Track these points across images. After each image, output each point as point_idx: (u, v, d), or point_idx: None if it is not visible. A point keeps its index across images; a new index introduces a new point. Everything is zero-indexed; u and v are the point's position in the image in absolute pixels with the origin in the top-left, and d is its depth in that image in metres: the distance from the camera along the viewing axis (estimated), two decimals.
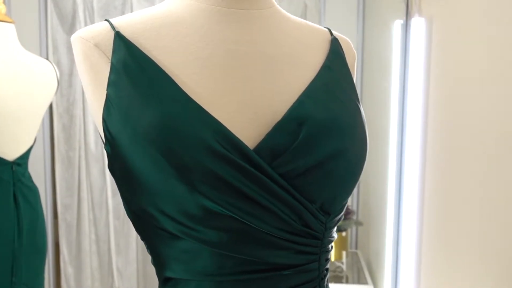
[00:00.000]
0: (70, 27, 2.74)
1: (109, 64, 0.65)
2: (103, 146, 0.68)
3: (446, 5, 1.45)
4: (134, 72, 0.63)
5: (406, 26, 1.86)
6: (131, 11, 2.71)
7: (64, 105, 2.83)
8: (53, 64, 1.74)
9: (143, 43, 0.66)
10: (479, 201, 1.16)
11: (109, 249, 2.91)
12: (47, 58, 2.69)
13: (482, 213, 1.14)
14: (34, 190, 1.60)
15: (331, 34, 0.80)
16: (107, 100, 0.63)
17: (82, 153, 2.85)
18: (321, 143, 0.64)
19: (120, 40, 0.65)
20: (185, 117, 0.60)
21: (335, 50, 0.77)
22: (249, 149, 0.62)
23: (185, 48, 0.66)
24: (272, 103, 0.66)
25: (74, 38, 0.69)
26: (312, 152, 0.63)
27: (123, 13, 2.70)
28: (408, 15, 1.84)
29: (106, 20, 0.71)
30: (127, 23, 0.69)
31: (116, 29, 0.67)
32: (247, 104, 0.65)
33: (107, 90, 0.64)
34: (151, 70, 0.63)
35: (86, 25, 2.71)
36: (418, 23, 1.71)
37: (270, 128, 0.64)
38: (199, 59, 0.65)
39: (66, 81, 2.79)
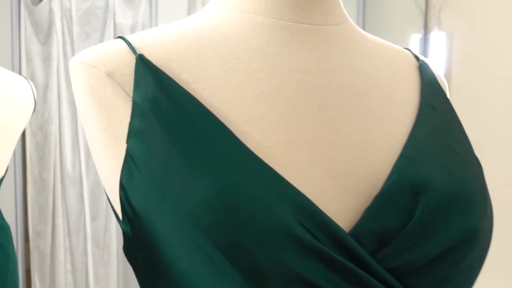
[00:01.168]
0: (46, 37, 2.53)
1: (130, 103, 0.47)
2: (118, 222, 0.48)
3: (467, 18, 1.40)
4: (170, 116, 0.45)
5: (424, 40, 1.76)
6: (114, 20, 2.51)
7: (38, 122, 2.61)
8: (30, 81, 1.52)
9: (177, 71, 0.48)
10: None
11: (86, 280, 2.69)
12: (19, 71, 2.45)
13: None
14: (5, 229, 1.38)
15: (416, 57, 0.61)
16: (127, 158, 0.45)
17: (58, 175, 2.62)
18: (447, 223, 0.45)
19: (145, 67, 0.47)
20: (255, 191, 0.41)
21: (430, 80, 0.58)
22: (345, 233, 0.43)
23: (240, 80, 0.48)
24: (368, 160, 0.47)
25: (75, 63, 0.50)
26: (434, 236, 0.44)
27: (104, 22, 2.49)
28: (426, 29, 1.73)
29: (119, 37, 0.52)
30: (152, 43, 0.50)
31: (138, 52, 0.49)
32: (334, 164, 0.46)
33: (127, 142, 0.45)
34: (195, 113, 0.45)
35: (64, 35, 2.50)
36: (437, 37, 1.63)
37: (370, 200, 0.45)
38: (262, 97, 0.48)
39: (41, 96, 2.57)
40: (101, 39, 2.50)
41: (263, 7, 0.53)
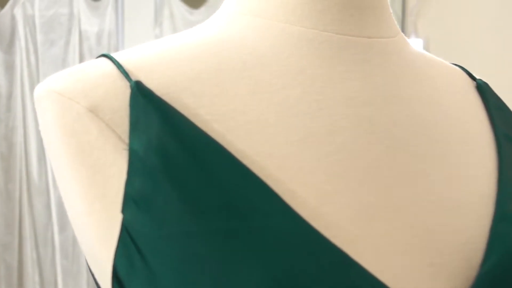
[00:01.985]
0: (8, 45, 2.47)
1: (125, 153, 0.35)
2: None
3: (444, 25, 1.43)
4: (189, 176, 0.33)
5: None
6: (79, 28, 2.46)
7: (2, 132, 2.55)
8: None
9: (191, 105, 0.36)
10: None
11: None
12: None
13: None
14: None
15: (471, 76, 0.50)
16: (124, 236, 0.33)
17: (24, 186, 2.57)
18: None
19: (145, 100, 0.36)
20: (323, 282, 0.31)
21: (496, 104, 0.47)
22: None
23: (278, 117, 0.37)
24: (458, 225, 0.37)
25: (42, 93, 0.38)
26: None
27: (69, 30, 2.44)
28: None
29: (104, 55, 0.40)
30: (151, 63, 0.38)
31: (133, 77, 0.37)
32: (417, 235, 0.36)
33: (123, 212, 0.33)
34: (225, 170, 0.33)
35: (27, 43, 2.44)
36: (414, 44, 1.68)
37: (469, 283, 0.34)
38: (310, 141, 0.37)
39: (4, 105, 2.51)
40: (66, 46, 2.45)
41: (298, 14, 0.41)
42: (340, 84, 0.40)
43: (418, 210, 0.37)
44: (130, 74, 0.37)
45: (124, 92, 0.37)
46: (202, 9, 2.65)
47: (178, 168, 0.33)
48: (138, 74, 0.37)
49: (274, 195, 0.33)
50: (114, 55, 0.40)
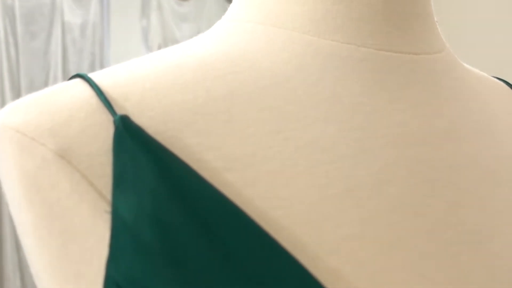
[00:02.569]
0: None
1: (106, 217, 0.27)
2: None
3: (444, 25, 1.40)
4: (199, 251, 0.26)
5: None
6: (62, 19, 2.34)
7: None
8: None
9: (195, 147, 0.28)
10: None
11: None
12: None
13: None
14: None
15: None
16: None
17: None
18: None
19: (135, 144, 0.27)
20: None
21: None
22: None
23: (309, 164, 0.29)
24: None
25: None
26: None
27: (51, 21, 2.33)
28: None
29: (79, 75, 0.31)
30: (141, 91, 0.30)
31: (118, 109, 0.28)
32: None
33: None
34: (244, 239, 0.26)
35: (6, 35, 2.32)
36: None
37: None
38: (353, 195, 0.29)
39: None
40: (48, 39, 2.34)
41: (329, 24, 0.32)
42: (387, 117, 0.32)
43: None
44: (114, 104, 0.29)
45: (106, 129, 0.28)
46: (192, 0, 2.55)
47: (182, 244, 0.26)
48: (125, 105, 0.29)
49: (309, 276, 0.26)
50: (93, 76, 0.31)
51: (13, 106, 0.30)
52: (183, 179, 0.27)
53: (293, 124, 0.30)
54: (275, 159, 0.29)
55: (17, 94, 2.30)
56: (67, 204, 0.27)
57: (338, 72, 0.32)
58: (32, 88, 2.33)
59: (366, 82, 0.32)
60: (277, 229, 0.27)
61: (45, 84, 2.32)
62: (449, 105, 0.34)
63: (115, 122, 0.28)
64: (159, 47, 2.44)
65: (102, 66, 2.37)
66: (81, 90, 0.30)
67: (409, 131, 0.32)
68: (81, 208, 0.27)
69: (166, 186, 0.26)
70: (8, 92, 2.35)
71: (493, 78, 0.44)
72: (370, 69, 0.32)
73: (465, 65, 0.41)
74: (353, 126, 0.31)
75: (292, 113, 0.31)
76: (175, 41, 2.49)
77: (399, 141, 0.31)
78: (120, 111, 0.28)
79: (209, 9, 2.50)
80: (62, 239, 0.27)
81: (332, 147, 0.30)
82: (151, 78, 0.30)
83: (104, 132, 0.28)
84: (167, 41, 2.46)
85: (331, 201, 0.28)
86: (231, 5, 0.37)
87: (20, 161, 0.28)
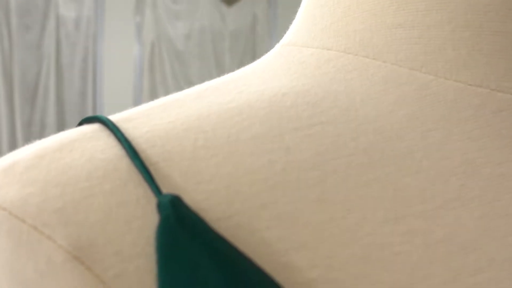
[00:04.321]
0: None
1: None
2: None
3: None
4: None
5: None
6: (56, 12, 2.34)
7: None
8: None
9: (273, 241, 0.19)
10: None
11: None
12: None
13: None
14: None
15: None
16: None
17: None
18: None
19: (194, 244, 0.18)
20: None
21: None
22: None
23: (452, 281, 0.20)
24: None
25: None
26: None
27: (46, 14, 2.33)
28: None
29: (97, 119, 0.21)
30: (192, 149, 0.20)
31: (166, 186, 0.19)
32: None
33: None
34: None
35: (1, 27, 2.32)
36: None
37: None
38: None
39: None
40: (42, 32, 2.34)
41: (450, 58, 0.23)
42: None
43: None
44: (154, 170, 0.19)
45: (143, 211, 0.18)
46: None
47: None
48: (170, 173, 0.19)
49: None
50: (118, 121, 0.21)
51: (4, 170, 0.20)
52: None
53: (418, 207, 0.21)
54: (397, 265, 0.20)
55: (9, 86, 2.30)
56: None
57: (469, 128, 0.23)
58: (24, 80, 2.32)
59: (508, 143, 0.23)
60: None
61: (38, 76, 2.32)
62: None
63: (160, 206, 0.18)
64: (152, 44, 2.45)
65: (94, 61, 2.37)
66: (104, 147, 0.20)
67: None
68: None
69: None
70: (1, 84, 2.35)
71: None
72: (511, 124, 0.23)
73: None
74: (501, 211, 0.22)
75: (414, 189, 0.21)
76: (168, 38, 2.50)
77: None
78: (164, 184, 0.19)
79: (203, 7, 2.51)
80: None
81: (478, 246, 0.21)
82: (204, 131, 0.21)
83: (140, 218, 0.18)
84: (160, 37, 2.47)
85: None
86: (294, 22, 0.28)
87: (13, 263, 0.18)
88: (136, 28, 2.46)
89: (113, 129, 0.20)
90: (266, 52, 0.28)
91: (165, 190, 0.19)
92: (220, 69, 2.51)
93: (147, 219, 0.18)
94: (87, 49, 2.39)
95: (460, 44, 0.23)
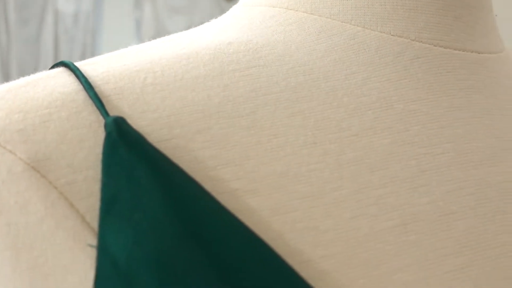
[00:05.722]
0: None
1: (91, 251, 0.21)
2: None
3: None
4: None
5: None
6: (54, 7, 2.32)
7: None
8: None
9: (207, 160, 0.22)
10: None
11: None
12: None
13: None
14: None
15: None
16: None
17: None
18: None
19: (133, 157, 0.21)
20: None
21: None
22: None
23: (354, 183, 0.24)
24: None
25: None
26: None
27: (44, 9, 2.31)
28: None
29: (63, 63, 0.25)
30: (141, 86, 0.24)
31: (113, 111, 0.23)
32: None
33: None
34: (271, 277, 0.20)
35: None
36: None
37: None
38: (411, 229, 0.24)
39: None
40: (40, 26, 2.31)
41: (376, 12, 0.27)
42: (448, 129, 0.26)
43: None
44: (105, 101, 0.23)
45: (94, 134, 0.22)
46: None
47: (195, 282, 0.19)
48: (120, 104, 0.23)
49: None
50: (81, 65, 0.25)
51: None
52: (195, 206, 0.21)
53: (334, 134, 0.25)
54: (311, 179, 0.23)
55: (7, 81, 2.28)
56: (38, 231, 0.21)
57: (388, 71, 0.27)
58: (22, 75, 2.30)
59: (422, 85, 0.27)
60: (317, 274, 0.22)
61: (36, 71, 2.30)
62: None
63: (106, 125, 0.22)
64: (152, 39, 2.43)
65: (93, 56, 2.35)
66: (64, 83, 0.24)
67: (474, 147, 0.26)
68: (56, 238, 0.21)
69: (172, 217, 0.20)
70: None
71: None
72: (426, 69, 0.27)
73: None
74: (407, 139, 0.25)
75: (332, 120, 0.25)
76: (168, 34, 2.47)
77: (463, 159, 0.26)
78: (113, 112, 0.23)
79: (203, 2, 2.49)
80: (30, 277, 0.21)
81: (384, 166, 0.24)
82: (154, 71, 0.25)
83: (91, 138, 0.22)
84: (160, 33, 2.45)
85: (383, 237, 0.23)
86: None
87: None
88: (135, 24, 2.44)
89: (74, 69, 0.25)
90: None
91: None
92: None
93: (97, 139, 0.22)
94: (86, 44, 2.38)
95: (386, 0, 0.28)
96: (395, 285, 0.23)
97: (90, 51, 2.37)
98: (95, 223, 0.21)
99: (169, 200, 0.21)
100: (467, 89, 0.28)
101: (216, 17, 0.33)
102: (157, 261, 0.20)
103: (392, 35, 0.27)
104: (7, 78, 2.30)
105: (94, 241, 0.21)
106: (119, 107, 0.23)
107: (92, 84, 0.24)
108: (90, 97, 0.23)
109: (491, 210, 0.25)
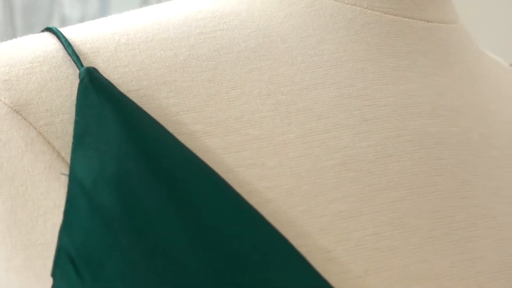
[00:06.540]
0: None
1: (63, 181, 0.24)
2: None
3: None
4: (166, 227, 0.22)
5: None
6: (61, 12, 2.35)
7: None
8: None
9: (171, 107, 0.26)
10: None
11: None
12: None
13: None
14: None
15: None
16: None
17: None
18: None
19: (101, 100, 0.25)
20: None
21: None
22: None
23: (301, 129, 0.26)
24: None
25: None
26: None
27: (50, 14, 2.33)
28: None
29: (48, 29, 0.30)
30: (115, 45, 0.28)
31: (85, 62, 0.27)
32: None
33: (53, 276, 0.23)
34: (222, 215, 0.23)
35: (6, 26, 2.33)
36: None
37: None
38: (351, 168, 0.26)
39: None
40: None
41: None
42: (392, 85, 0.29)
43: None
44: (82, 58, 0.27)
45: (71, 85, 0.27)
46: None
47: (146, 212, 0.22)
48: (95, 60, 0.27)
49: (296, 254, 0.23)
50: (63, 29, 0.30)
51: None
52: (155, 141, 0.24)
53: (286, 87, 0.28)
54: (263, 124, 0.27)
55: None
56: (19, 164, 0.25)
57: (340, 35, 0.30)
58: None
59: (371, 47, 0.30)
60: (262, 202, 0.24)
61: None
62: (461, 80, 0.31)
63: (80, 73, 0.26)
64: None
65: None
66: (47, 43, 0.29)
67: (415, 102, 0.29)
68: (35, 170, 0.25)
69: (133, 148, 0.23)
70: None
71: (507, 64, 0.41)
72: (376, 34, 0.31)
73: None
74: (353, 93, 0.29)
75: (286, 76, 0.29)
76: None
77: (404, 111, 0.29)
78: (87, 65, 0.27)
79: None
80: (11, 204, 0.24)
81: (329, 115, 0.28)
82: (128, 34, 0.29)
83: (68, 88, 0.27)
84: None
85: (324, 173, 0.26)
86: None
87: None
88: None
89: (56, 32, 0.29)
90: None
91: None
92: None
93: (73, 89, 0.27)
94: None
95: None
96: (331, 212, 0.25)
97: None
98: (68, 157, 0.25)
99: (131, 133, 0.24)
100: (414, 52, 0.30)
101: None
102: (117, 181, 0.23)
103: (346, 4, 0.31)
104: None
105: (66, 170, 0.24)
106: (95, 63, 0.27)
107: (72, 43, 0.28)
108: (69, 54, 0.28)
109: (426, 155, 0.28)
